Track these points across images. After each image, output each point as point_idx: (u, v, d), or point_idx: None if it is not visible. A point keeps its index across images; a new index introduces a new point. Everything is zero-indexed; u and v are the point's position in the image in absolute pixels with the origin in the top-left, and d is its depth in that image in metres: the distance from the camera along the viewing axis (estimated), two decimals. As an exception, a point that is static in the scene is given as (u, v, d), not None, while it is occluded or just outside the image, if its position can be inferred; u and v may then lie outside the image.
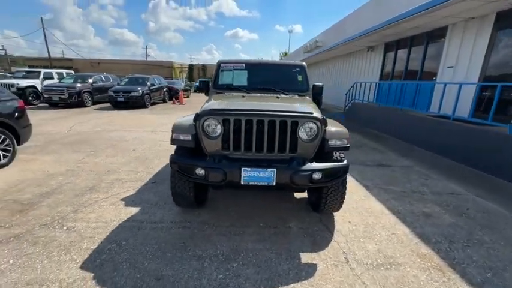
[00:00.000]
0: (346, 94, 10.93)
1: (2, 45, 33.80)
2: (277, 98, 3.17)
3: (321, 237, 2.52)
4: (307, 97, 3.61)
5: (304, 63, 3.90)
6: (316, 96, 3.85)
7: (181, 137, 2.47)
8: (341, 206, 2.77)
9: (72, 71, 16.53)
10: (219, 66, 3.84)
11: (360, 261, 2.19)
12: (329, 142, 2.45)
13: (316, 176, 2.28)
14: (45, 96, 11.21)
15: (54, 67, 23.68)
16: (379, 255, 2.26)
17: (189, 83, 28.07)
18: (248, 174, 2.26)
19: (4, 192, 3.21)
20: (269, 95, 3.34)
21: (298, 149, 2.42)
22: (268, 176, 2.26)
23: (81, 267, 2.02)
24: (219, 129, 2.39)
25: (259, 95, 3.37)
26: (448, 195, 3.55)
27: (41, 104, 12.06)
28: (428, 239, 2.54)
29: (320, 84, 3.81)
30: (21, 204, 2.95)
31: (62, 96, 11.10)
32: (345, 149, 2.52)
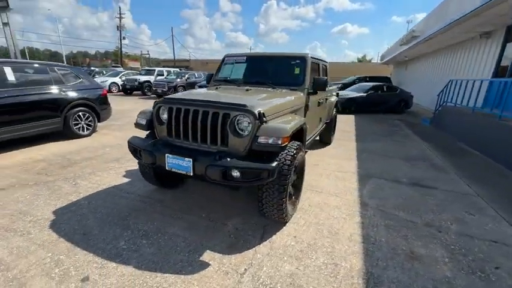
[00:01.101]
0: (438, 95, 8.63)
1: (147, 50, 44.96)
2: (247, 90, 3.03)
3: (246, 242, 2.30)
4: (301, 93, 3.24)
5: (306, 55, 3.49)
6: (318, 90, 3.38)
7: (140, 121, 2.79)
8: (281, 215, 2.40)
9: (176, 69, 20.16)
10: (223, 60, 3.97)
11: (257, 278, 1.90)
12: (259, 140, 2.19)
13: (235, 173, 2.11)
14: (153, 89, 14.36)
15: (177, 67, 29.99)
16: (285, 280, 1.88)
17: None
18: (171, 161, 2.35)
19: (69, 153, 4.52)
20: (249, 87, 3.22)
21: (229, 143, 2.29)
22: (186, 165, 2.27)
23: (53, 211, 2.68)
24: (166, 116, 2.57)
25: (246, 88, 3.30)
26: (484, 242, 2.40)
27: (152, 95, 15.50)
28: (378, 284, 1.88)
29: (323, 77, 3.32)
30: (70, 162, 4.08)
31: (164, 89, 13.91)
32: (278, 149, 2.18)
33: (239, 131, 2.26)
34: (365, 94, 10.84)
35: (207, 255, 2.12)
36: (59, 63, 5.38)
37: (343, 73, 26.31)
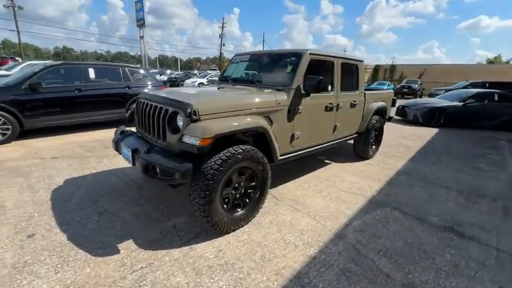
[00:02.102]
0: None
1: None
2: (218, 89, 2.91)
3: (169, 242, 2.24)
4: (284, 94, 2.85)
5: (303, 51, 3.04)
6: (311, 92, 2.90)
7: (127, 114, 3.14)
8: (207, 222, 2.19)
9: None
10: (232, 59, 3.94)
11: (142, 279, 1.82)
12: (183, 138, 2.09)
13: (158, 170, 2.11)
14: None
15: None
16: (164, 291, 1.73)
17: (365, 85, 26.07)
18: (123, 150, 2.55)
19: (119, 137, 5.53)
20: (223, 85, 3.13)
21: (167, 139, 2.30)
22: (128, 154, 2.41)
23: (66, 179, 3.38)
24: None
25: (219, 86, 3.27)
26: None
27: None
28: (257, 335, 1.47)
29: (316, 77, 2.84)
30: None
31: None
32: (195, 150, 2.01)
33: (174, 127, 2.22)
34: (461, 104, 8.39)
35: (126, 244, 2.19)
36: (130, 65, 6.67)
37: (464, 77, 20.92)
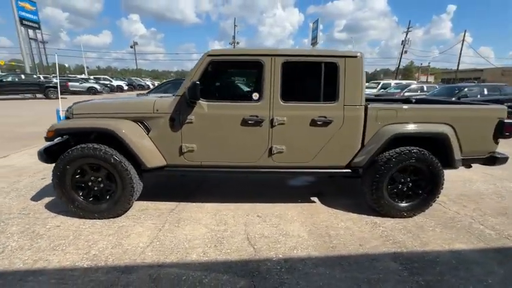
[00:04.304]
0: None
1: (429, 62, 39.93)
2: (141, 95, 3.14)
3: (57, 207, 2.93)
4: (168, 102, 2.71)
5: (207, 52, 2.62)
6: (192, 99, 2.56)
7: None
8: (59, 198, 2.64)
9: (408, 82, 16.49)
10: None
11: (8, 218, 2.67)
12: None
13: None
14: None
15: (461, 79, 26.79)
16: (-2, 230, 2.47)
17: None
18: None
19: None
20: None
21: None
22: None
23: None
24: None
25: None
26: None
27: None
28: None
29: (193, 81, 2.47)
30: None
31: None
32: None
33: None
34: None
35: (47, 199, 3.13)
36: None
37: None
